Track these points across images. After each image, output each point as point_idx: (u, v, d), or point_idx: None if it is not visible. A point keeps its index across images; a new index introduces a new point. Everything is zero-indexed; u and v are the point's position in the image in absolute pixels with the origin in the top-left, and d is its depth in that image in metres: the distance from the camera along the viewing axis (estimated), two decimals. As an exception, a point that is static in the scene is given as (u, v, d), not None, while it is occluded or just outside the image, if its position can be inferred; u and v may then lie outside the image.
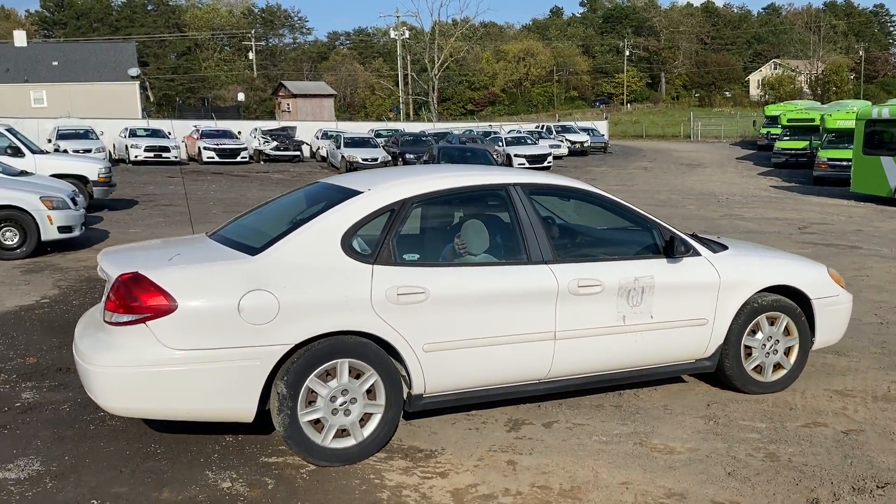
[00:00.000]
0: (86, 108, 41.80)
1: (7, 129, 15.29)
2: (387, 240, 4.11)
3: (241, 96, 65.95)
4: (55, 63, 49.62)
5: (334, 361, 3.88)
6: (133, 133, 30.72)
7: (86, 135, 28.08)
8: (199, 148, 30.44)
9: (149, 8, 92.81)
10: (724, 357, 4.91)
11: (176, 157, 29.44)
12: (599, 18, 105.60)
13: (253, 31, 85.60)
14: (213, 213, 15.37)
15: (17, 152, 14.63)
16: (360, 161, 26.95)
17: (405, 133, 35.34)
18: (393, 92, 72.10)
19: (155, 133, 31.22)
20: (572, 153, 38.15)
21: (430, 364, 4.08)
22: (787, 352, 5.11)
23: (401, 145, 30.19)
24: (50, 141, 26.99)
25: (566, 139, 38.96)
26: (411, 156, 26.71)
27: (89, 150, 26.47)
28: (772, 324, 5.03)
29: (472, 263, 4.34)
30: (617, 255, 4.69)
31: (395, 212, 4.20)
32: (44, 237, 10.12)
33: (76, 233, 10.60)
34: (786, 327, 5.06)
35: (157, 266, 3.87)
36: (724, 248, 5.07)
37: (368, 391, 3.98)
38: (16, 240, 9.97)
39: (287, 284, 3.84)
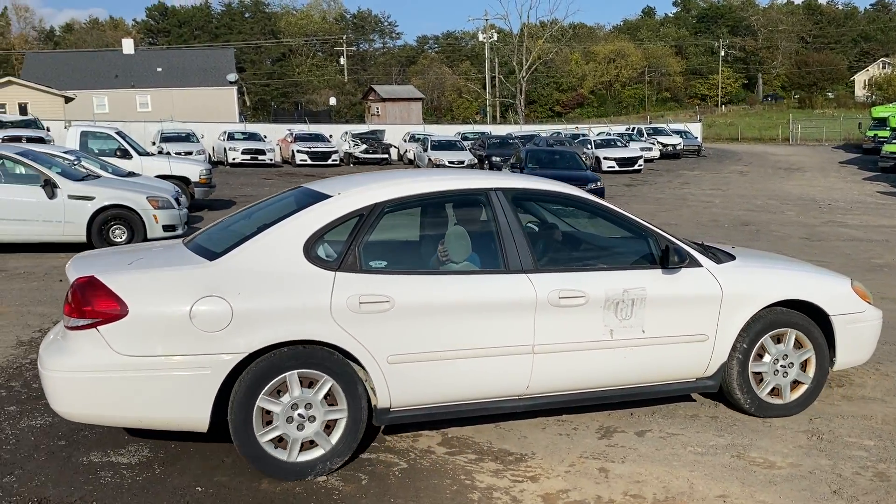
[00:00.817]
0: (187, 112, 43.76)
1: (116, 133, 16.20)
2: (353, 246, 3.95)
3: (332, 100, 67.58)
4: (159, 69, 52.14)
5: (282, 376, 3.72)
6: (231, 136, 31.95)
7: (187, 138, 29.37)
8: (292, 151, 31.37)
9: (246, 16, 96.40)
10: (730, 379, 4.57)
11: (271, 160, 30.44)
12: (693, 18, 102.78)
13: (345, 37, 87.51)
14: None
15: (125, 154, 15.49)
16: (447, 164, 27.15)
17: (492, 136, 35.39)
18: (480, 95, 72.32)
19: (251, 136, 32.37)
20: (664, 156, 37.26)
21: (394, 377, 3.90)
22: (804, 366, 4.75)
23: (487, 148, 30.26)
24: (154, 143, 28.37)
25: (658, 142, 38.06)
26: (498, 159, 26.70)
27: (190, 153, 27.66)
28: (778, 341, 4.67)
29: (441, 272, 4.15)
30: (606, 265, 4.41)
31: (364, 217, 4.04)
32: (149, 235, 10.65)
33: (179, 231, 11.10)
34: (796, 341, 4.70)
35: (113, 270, 3.81)
36: (732, 258, 4.77)
37: (327, 397, 3.83)
38: (124, 237, 10.52)
39: (242, 291, 3.71)
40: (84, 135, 16.02)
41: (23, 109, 37.04)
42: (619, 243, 4.67)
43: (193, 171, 15.75)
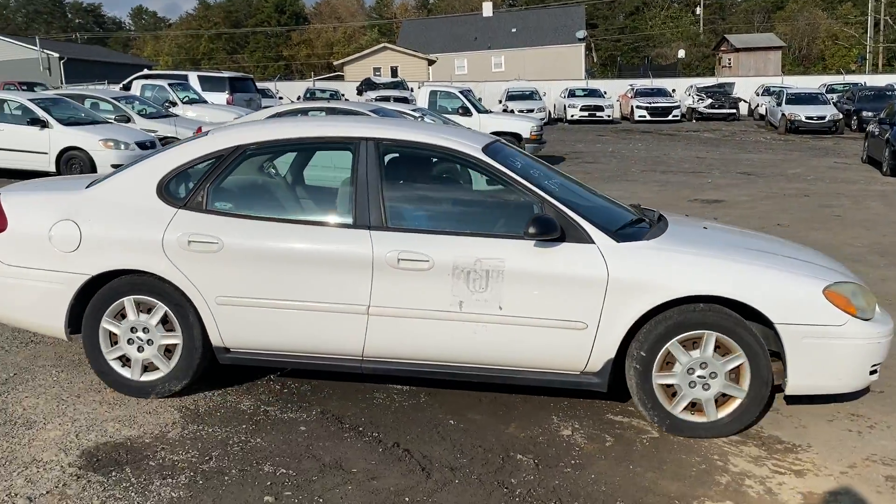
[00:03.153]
0: (535, 71, 45.35)
1: (461, 92, 17.47)
2: (203, 186, 4.00)
3: (681, 53, 64.50)
4: (514, 30, 54.56)
5: (121, 300, 3.99)
6: (571, 93, 32.42)
7: (531, 96, 30.54)
8: (631, 107, 30.81)
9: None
10: (630, 390, 3.81)
11: (609, 117, 30.31)
12: None
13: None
14: (631, 171, 15.52)
15: (466, 112, 16.64)
16: (803, 119, 24.42)
17: (865, 87, 30.81)
18: (859, 40, 63.15)
19: (592, 93, 32.48)
20: None
21: (223, 317, 3.94)
22: (736, 375, 3.73)
23: (857, 101, 26.45)
24: (500, 101, 30.04)
25: None
26: (868, 113, 23.22)
27: (532, 110, 28.76)
28: (694, 346, 3.70)
29: (282, 220, 3.96)
30: (464, 230, 3.83)
31: (223, 158, 4.06)
32: (475, 187, 11.40)
33: (502, 184, 11.70)
34: (719, 345, 3.69)
35: (14, 192, 4.34)
36: (653, 235, 3.88)
37: (165, 323, 4.00)
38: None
39: (93, 218, 4.01)
40: (433, 94, 17.58)
41: (394, 72, 41.78)
42: (495, 208, 4.09)
43: (525, 127, 16.37)
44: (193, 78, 21.18)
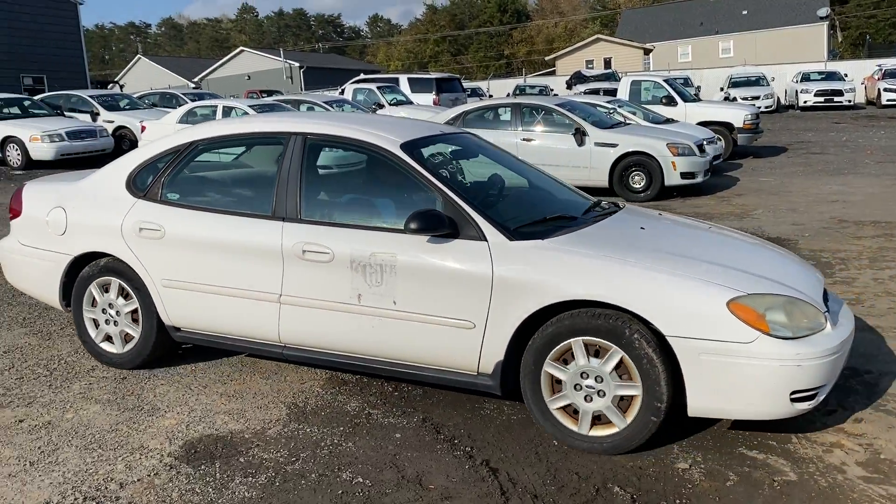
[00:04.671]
0: (768, 54, 41.79)
1: (666, 81, 16.45)
2: (159, 178, 4.41)
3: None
4: (744, 12, 50.71)
5: (103, 277, 4.50)
6: (805, 77, 29.38)
7: (756, 82, 28.18)
8: (878, 90, 27.22)
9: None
10: (522, 390, 3.61)
11: (849, 102, 27.07)
12: None
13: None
14: (863, 163, 13.65)
15: (670, 101, 15.64)
16: None
17: None
18: None
19: (830, 76, 29.19)
20: None
21: (168, 299, 4.30)
22: (624, 404, 3.39)
23: None
24: (722, 89, 28.00)
25: None
26: None
27: (757, 97, 26.54)
28: (595, 355, 3.41)
29: (214, 210, 4.22)
30: (371, 224, 3.85)
31: (180, 153, 4.44)
32: (667, 182, 10.63)
33: (698, 179, 10.81)
34: (621, 365, 3.35)
35: (35, 182, 5.00)
36: (567, 232, 3.71)
37: (127, 297, 4.47)
38: (642, 183, 10.73)
39: (76, 207, 4.57)
40: (634, 84, 16.73)
41: (607, 63, 40.60)
42: (400, 202, 3.97)
43: (737, 115, 15.04)
44: (403, 80, 22.10)
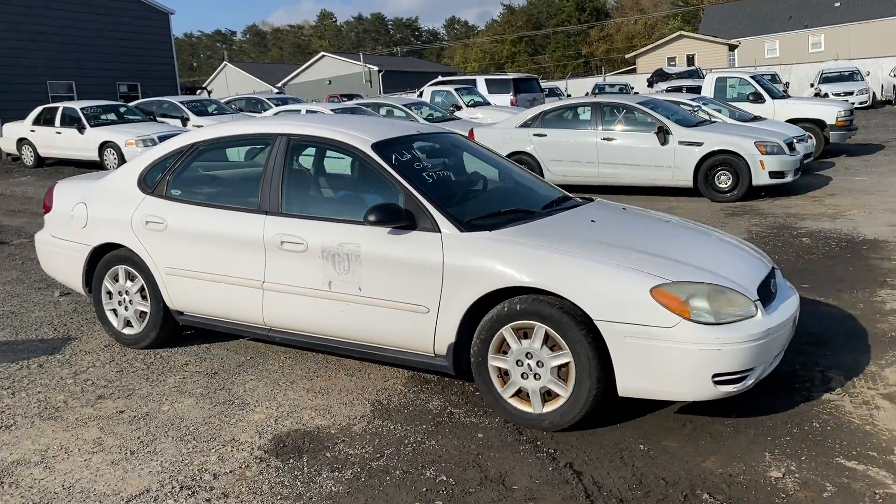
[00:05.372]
0: (861, 48, 39.89)
1: (753, 77, 15.91)
2: (165, 176, 4.86)
3: None
4: (836, 4, 48.56)
5: (115, 267, 5.00)
6: (904, 70, 27.89)
7: (850, 77, 26.99)
8: None
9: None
10: (473, 371, 3.85)
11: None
12: None
13: None
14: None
15: (757, 98, 15.12)
16: None
17: None
18: None
19: (932, 68, 27.64)
20: None
21: (170, 285, 4.73)
22: (563, 374, 3.56)
23: None
24: (812, 85, 26.92)
25: None
26: None
27: (850, 93, 25.40)
28: (525, 336, 3.63)
29: (209, 205, 4.62)
30: (340, 217, 4.20)
31: (183, 153, 4.88)
32: (754, 181, 10.28)
33: (788, 178, 10.41)
34: (547, 339, 3.56)
35: (66, 181, 5.52)
36: (515, 224, 3.98)
37: (142, 289, 4.93)
38: (728, 183, 10.41)
39: (96, 202, 5.06)
40: (720, 81, 16.23)
41: (689, 60, 39.55)
42: (368, 196, 4.32)
43: (829, 112, 14.41)
44: (481, 82, 22.11)
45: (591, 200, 4.83)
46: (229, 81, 54.38)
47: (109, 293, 5.07)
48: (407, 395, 4.19)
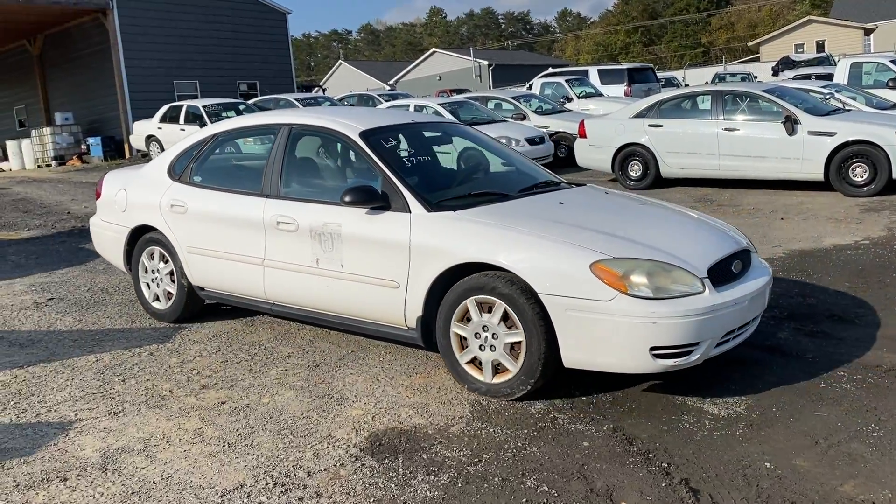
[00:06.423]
0: None
1: (892, 61, 14.67)
2: (190, 164, 5.33)
3: None
4: None
5: (150, 248, 5.49)
6: None
7: None
8: None
9: None
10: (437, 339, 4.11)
11: None
12: None
13: None
14: None
15: (899, 84, 13.93)
16: None
17: None
18: None
19: None
20: None
21: (191, 262, 5.16)
22: (515, 353, 3.79)
23: None
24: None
25: None
26: None
27: None
28: (489, 311, 3.84)
29: (222, 189, 5.04)
30: (326, 199, 4.52)
31: (205, 143, 5.36)
32: (895, 174, 9.41)
33: (934, 170, 9.46)
34: (508, 317, 3.78)
35: (114, 171, 6.06)
36: (483, 204, 4.23)
37: (170, 272, 5.42)
38: (865, 176, 9.57)
39: (134, 188, 5.58)
40: (855, 66, 15.06)
41: (819, 47, 37.08)
42: (353, 180, 4.77)
43: (983, 98, 13.06)
44: (593, 72, 21.52)
45: (581, 185, 5.02)
46: (344, 79, 55.70)
47: (146, 269, 5.56)
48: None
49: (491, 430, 3.60)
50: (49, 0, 22.00)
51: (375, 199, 4.22)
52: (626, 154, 11.38)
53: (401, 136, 4.86)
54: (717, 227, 4.40)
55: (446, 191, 4.52)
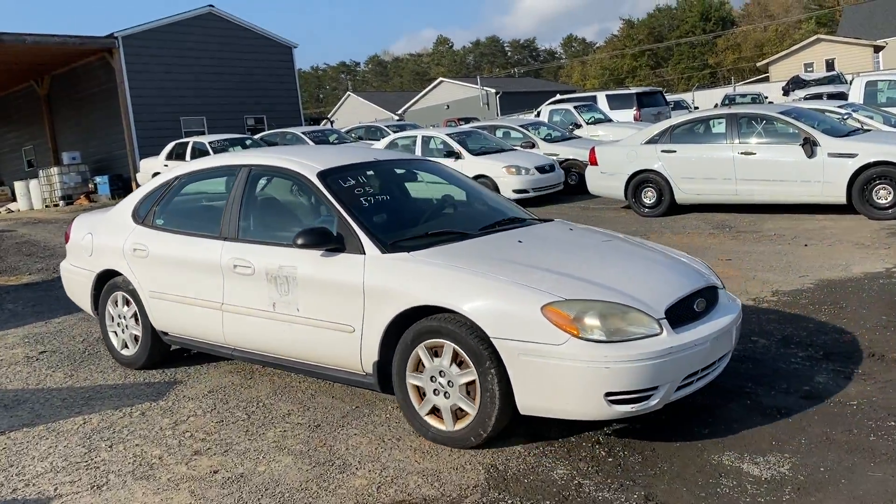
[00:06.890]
0: None
1: (909, 78, 14.34)
2: (153, 207, 5.27)
3: None
4: None
5: (114, 293, 5.38)
6: None
7: None
8: None
9: None
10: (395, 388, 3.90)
11: None
12: None
13: None
14: None
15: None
16: None
17: None
18: None
19: None
20: None
21: (153, 307, 5.08)
22: (471, 393, 3.60)
23: None
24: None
25: None
26: None
27: None
28: (437, 354, 3.71)
29: (181, 232, 4.99)
30: (283, 242, 4.37)
31: (168, 186, 5.28)
32: (921, 196, 9.04)
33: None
34: (456, 357, 3.62)
35: (83, 215, 5.98)
36: (439, 245, 4.05)
37: (134, 315, 5.29)
38: (889, 198, 9.20)
39: (99, 232, 5.51)
40: (870, 85, 14.74)
41: (829, 65, 36.82)
42: (311, 221, 4.55)
43: None
44: (602, 98, 21.30)
45: (549, 220, 4.86)
46: (353, 111, 55.88)
47: (111, 316, 5.46)
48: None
49: (510, 501, 3.25)
50: (55, 41, 22.09)
51: (329, 241, 4.09)
52: (640, 181, 11.08)
53: (360, 176, 4.69)
54: (682, 263, 4.23)
55: (404, 231, 4.37)
